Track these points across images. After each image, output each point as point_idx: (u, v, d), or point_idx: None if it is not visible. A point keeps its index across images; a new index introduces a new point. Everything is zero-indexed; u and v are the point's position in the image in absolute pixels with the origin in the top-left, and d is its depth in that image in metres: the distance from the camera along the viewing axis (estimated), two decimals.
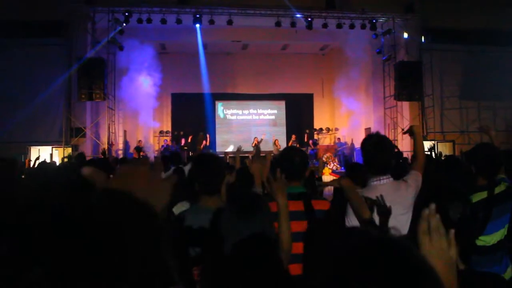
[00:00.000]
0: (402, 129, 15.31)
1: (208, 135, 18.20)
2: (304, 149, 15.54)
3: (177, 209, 2.87)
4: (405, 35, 15.58)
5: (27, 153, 13.54)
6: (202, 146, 16.84)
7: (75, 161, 8.43)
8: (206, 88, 19.61)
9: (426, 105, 15.94)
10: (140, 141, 16.88)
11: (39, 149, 13.90)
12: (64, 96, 14.39)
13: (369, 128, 17.81)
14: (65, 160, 9.95)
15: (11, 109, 13.80)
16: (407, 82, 15.11)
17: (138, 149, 15.60)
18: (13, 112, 13.77)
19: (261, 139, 17.15)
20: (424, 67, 15.66)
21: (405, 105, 16.08)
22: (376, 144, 2.55)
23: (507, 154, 3.24)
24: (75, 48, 14.30)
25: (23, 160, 12.56)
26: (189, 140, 17.52)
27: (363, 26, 15.42)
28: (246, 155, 13.89)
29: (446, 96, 16.48)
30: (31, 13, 13.86)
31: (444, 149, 15.42)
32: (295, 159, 2.76)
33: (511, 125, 16.51)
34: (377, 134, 2.69)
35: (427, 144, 15.11)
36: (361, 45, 16.98)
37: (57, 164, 10.33)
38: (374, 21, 15.36)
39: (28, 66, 13.88)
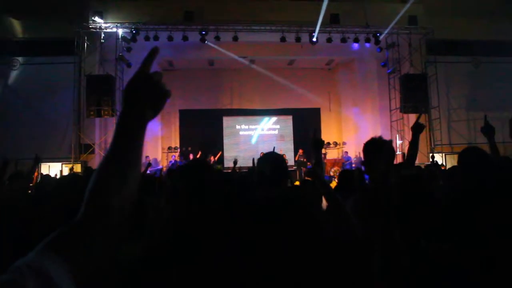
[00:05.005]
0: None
1: (219, 153, 18.40)
2: (309, 163, 15.62)
3: None
4: (409, 48, 15.66)
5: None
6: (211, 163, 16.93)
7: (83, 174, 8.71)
8: (213, 104, 19.86)
9: (433, 117, 15.89)
10: (147, 157, 16.98)
11: (49, 166, 14.06)
12: (73, 113, 14.62)
13: None
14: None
15: (22, 126, 14.05)
16: (412, 95, 15.10)
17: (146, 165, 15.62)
18: (24, 128, 14.03)
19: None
20: (430, 79, 15.64)
21: (412, 117, 15.99)
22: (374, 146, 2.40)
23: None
24: (84, 65, 14.61)
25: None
26: (198, 156, 17.58)
27: (367, 40, 15.52)
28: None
29: (453, 108, 16.43)
30: (41, 31, 14.21)
31: (453, 161, 15.34)
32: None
33: None
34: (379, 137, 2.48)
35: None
36: (366, 59, 17.08)
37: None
38: (378, 34, 15.46)
39: (38, 83, 14.16)
